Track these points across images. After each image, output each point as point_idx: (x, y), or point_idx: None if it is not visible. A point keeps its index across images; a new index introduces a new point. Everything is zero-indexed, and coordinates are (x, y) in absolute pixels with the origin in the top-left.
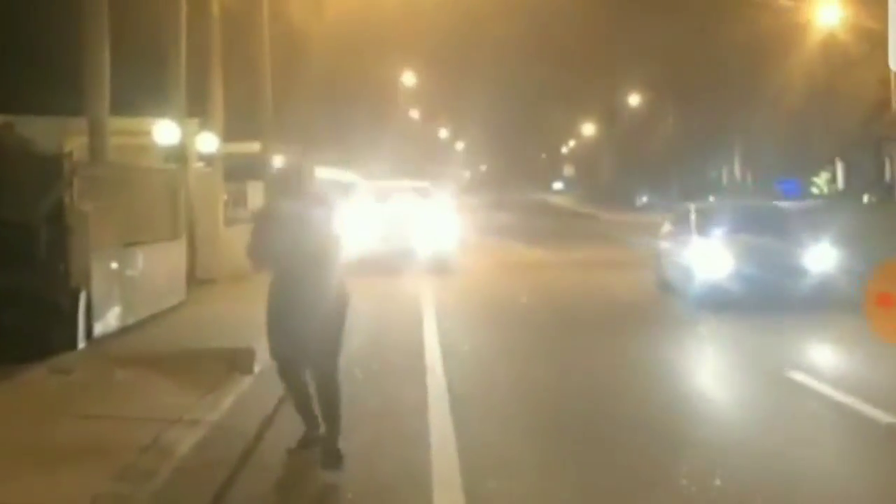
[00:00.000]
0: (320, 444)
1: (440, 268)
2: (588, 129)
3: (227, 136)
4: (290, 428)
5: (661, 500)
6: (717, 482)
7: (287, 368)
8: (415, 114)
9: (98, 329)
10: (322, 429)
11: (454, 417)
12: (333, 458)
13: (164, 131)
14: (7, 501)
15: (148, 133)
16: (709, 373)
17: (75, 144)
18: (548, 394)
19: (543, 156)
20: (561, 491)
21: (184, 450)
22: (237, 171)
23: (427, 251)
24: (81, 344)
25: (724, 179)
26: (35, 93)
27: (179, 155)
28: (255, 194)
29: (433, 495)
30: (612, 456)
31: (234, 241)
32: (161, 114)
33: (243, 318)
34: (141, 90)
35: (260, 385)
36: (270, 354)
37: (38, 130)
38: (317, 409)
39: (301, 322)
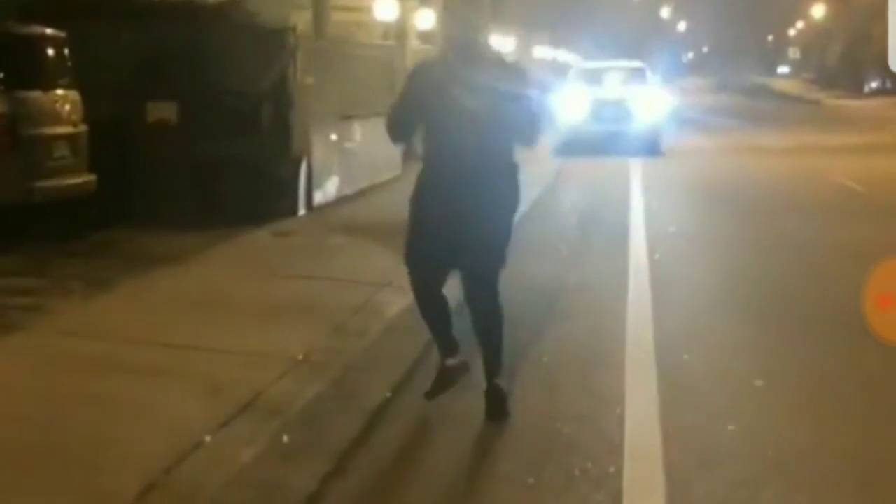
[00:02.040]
0: (487, 393)
1: (652, 149)
2: (818, 10)
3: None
4: None
5: (848, 389)
6: None
7: (423, 276)
8: None
9: (317, 197)
10: (456, 358)
11: (653, 295)
12: (499, 403)
13: (384, 7)
14: (230, 349)
15: (368, 9)
16: None
17: (299, 19)
18: (753, 278)
19: (769, 38)
20: (754, 370)
21: (393, 312)
22: None
23: (639, 132)
24: (302, 211)
25: None
26: None
27: (398, 31)
28: None
29: (626, 364)
30: (814, 342)
31: None
32: None
33: None
34: None
35: None
36: (405, 254)
37: (264, 5)
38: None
39: (452, 216)
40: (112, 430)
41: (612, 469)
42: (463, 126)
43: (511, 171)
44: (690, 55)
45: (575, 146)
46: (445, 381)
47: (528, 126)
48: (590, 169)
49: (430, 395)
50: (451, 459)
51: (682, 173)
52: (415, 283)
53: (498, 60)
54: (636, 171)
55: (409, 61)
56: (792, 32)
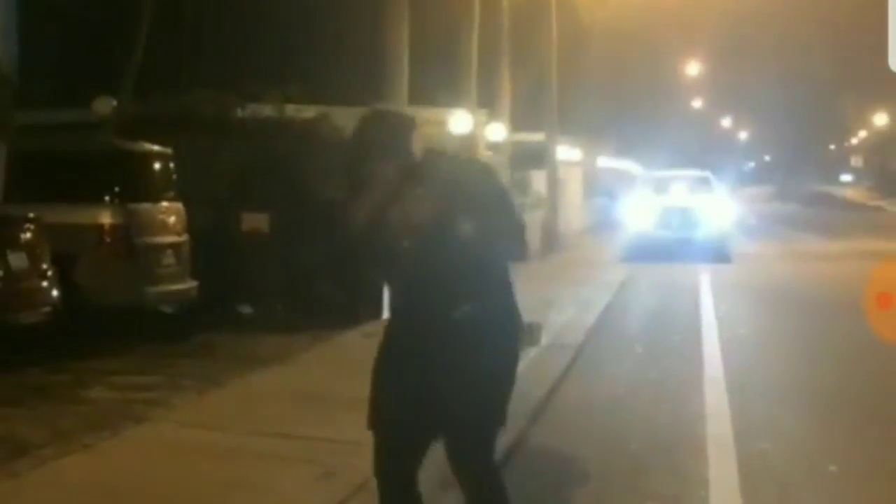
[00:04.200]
0: None
1: (719, 256)
2: (880, 119)
3: (513, 125)
4: (575, 394)
5: None
6: None
7: (392, 453)
8: (697, 103)
9: None
10: None
11: (729, 389)
12: None
13: (459, 121)
14: (335, 438)
15: (442, 123)
16: None
17: None
18: (821, 374)
19: (831, 146)
20: (828, 457)
21: None
22: (522, 160)
23: (706, 239)
24: (385, 314)
25: None
26: (342, 85)
27: (469, 144)
28: (539, 182)
29: (708, 452)
30: (881, 432)
31: None
32: (453, 104)
33: (535, 296)
34: (435, 82)
35: (546, 356)
36: (368, 424)
37: (344, 119)
38: None
39: (429, 375)
40: None
41: None
42: (424, 245)
43: (500, 307)
44: (752, 164)
45: (643, 253)
46: None
47: (508, 233)
48: (659, 274)
49: None
50: None
51: (749, 278)
52: (377, 456)
53: (452, 163)
54: (705, 276)
55: None
56: (854, 141)
